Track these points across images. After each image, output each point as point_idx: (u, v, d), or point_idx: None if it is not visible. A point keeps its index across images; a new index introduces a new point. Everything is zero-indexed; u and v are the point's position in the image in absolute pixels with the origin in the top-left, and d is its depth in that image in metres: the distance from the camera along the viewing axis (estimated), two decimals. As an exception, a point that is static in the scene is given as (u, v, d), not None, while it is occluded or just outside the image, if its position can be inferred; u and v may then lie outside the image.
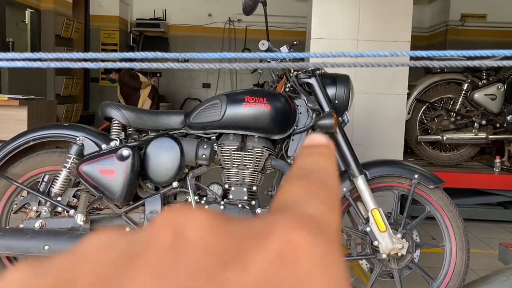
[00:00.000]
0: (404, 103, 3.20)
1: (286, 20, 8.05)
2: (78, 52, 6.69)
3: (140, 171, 2.05)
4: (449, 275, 2.08)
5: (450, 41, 7.73)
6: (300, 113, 2.11)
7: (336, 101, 2.12)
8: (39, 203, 2.11)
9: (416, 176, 2.09)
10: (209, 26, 8.73)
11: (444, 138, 4.10)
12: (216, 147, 2.11)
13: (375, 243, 2.04)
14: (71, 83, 6.77)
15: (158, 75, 8.83)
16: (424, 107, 4.21)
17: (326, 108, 2.08)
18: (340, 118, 2.12)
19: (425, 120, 4.26)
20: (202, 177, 2.22)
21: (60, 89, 6.43)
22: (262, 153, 2.09)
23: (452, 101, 4.18)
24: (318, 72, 2.13)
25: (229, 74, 8.86)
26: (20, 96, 3.82)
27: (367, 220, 2.07)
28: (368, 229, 2.05)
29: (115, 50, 8.08)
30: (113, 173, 1.98)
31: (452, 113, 4.14)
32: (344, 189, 2.10)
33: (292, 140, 2.12)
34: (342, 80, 2.15)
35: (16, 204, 2.16)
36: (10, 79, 5.07)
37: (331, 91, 2.12)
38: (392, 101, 3.14)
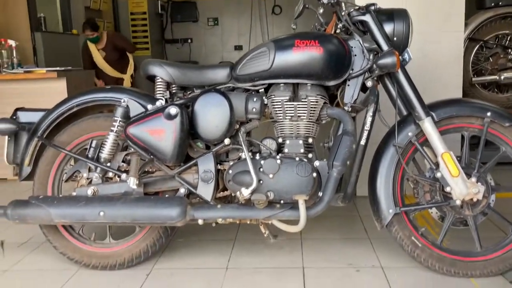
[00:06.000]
0: (461, 41, 2.94)
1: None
2: (109, 22, 6.59)
3: (189, 130, 1.94)
4: (532, 219, 1.90)
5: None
6: (355, 55, 1.93)
7: (395, 38, 1.93)
8: (89, 170, 2.05)
9: (488, 114, 1.90)
10: (237, -14, 8.45)
11: (502, 77, 3.82)
12: (266, 99, 1.98)
13: (447, 189, 1.88)
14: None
15: (189, 41, 8.68)
16: (478, 46, 3.92)
17: (385, 47, 1.89)
18: (400, 57, 1.93)
19: (477, 61, 3.98)
20: (251, 133, 2.10)
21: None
22: (316, 102, 1.93)
23: (508, 37, 3.87)
24: (372, 8, 1.94)
25: (260, 35, 8.61)
26: (58, 68, 3.78)
27: (436, 166, 1.91)
28: (438, 175, 1.89)
29: (144, 19, 7.94)
30: (163, 133, 1.89)
31: (510, 50, 3.83)
32: (410, 134, 1.93)
33: (348, 85, 1.95)
34: (399, 15, 1.94)
35: (66, 172, 2.11)
36: (45, 53, 5.04)
37: (388, 27, 1.93)
38: (447, 39, 2.89)
